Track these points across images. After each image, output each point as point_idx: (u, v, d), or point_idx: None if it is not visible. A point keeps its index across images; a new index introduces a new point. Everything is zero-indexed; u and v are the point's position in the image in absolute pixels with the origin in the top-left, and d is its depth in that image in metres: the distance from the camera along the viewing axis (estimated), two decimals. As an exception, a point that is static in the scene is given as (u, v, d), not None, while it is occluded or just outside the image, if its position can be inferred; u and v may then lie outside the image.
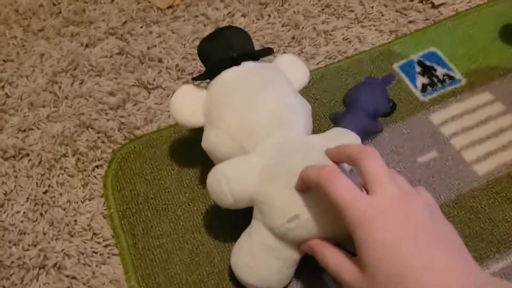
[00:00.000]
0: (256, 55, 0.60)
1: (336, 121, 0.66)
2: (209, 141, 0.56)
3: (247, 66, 0.58)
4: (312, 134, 0.59)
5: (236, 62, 0.58)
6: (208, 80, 0.60)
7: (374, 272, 0.40)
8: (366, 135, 0.63)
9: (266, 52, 0.62)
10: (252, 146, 0.54)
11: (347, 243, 0.53)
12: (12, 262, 0.58)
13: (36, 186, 0.65)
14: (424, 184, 0.62)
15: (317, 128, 0.69)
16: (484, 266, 0.56)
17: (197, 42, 0.82)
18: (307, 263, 0.53)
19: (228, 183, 0.51)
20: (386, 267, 0.40)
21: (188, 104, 0.58)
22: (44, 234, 0.60)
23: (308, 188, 0.48)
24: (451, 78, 0.73)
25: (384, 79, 0.66)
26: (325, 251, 0.47)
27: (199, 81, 0.60)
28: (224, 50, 0.58)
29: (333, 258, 0.46)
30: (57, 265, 0.58)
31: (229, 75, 0.57)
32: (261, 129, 0.54)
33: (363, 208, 0.42)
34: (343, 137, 0.57)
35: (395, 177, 0.46)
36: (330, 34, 0.82)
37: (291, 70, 0.62)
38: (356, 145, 0.49)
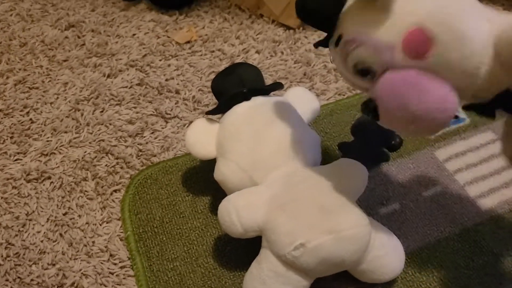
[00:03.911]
0: (266, 90, 0.64)
1: (344, 150, 0.69)
2: (221, 173, 0.59)
3: (257, 100, 0.62)
4: (320, 165, 0.62)
5: (247, 97, 0.62)
6: (221, 114, 0.64)
7: None
8: (373, 164, 0.66)
9: (276, 87, 0.66)
10: (261, 177, 0.57)
11: (355, 271, 0.56)
12: (32, 280, 0.60)
13: (57, 207, 0.67)
14: (429, 217, 0.65)
15: (327, 161, 0.71)
16: (487, 299, 0.57)
17: (213, 76, 0.86)
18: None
19: (237, 213, 0.54)
20: None
21: (202, 138, 0.62)
22: (63, 254, 0.63)
23: None
24: (456, 117, 0.76)
25: None
26: None
27: (213, 115, 0.64)
28: (235, 86, 0.62)
29: None
30: (75, 284, 0.60)
31: (240, 109, 0.61)
32: (270, 162, 0.57)
33: None
34: (350, 168, 0.59)
35: None
36: (340, 72, 0.86)
37: (301, 102, 0.65)
38: None
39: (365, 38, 0.43)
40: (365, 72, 0.45)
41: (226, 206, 0.54)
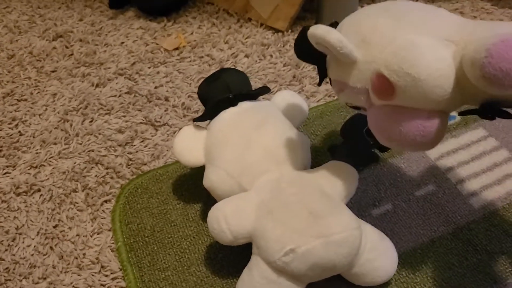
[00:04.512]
0: (252, 95, 0.64)
1: (334, 153, 0.69)
2: (210, 180, 0.59)
3: (244, 106, 0.61)
4: (310, 168, 0.61)
5: (234, 103, 0.61)
6: (208, 121, 0.63)
7: None
8: (364, 165, 0.66)
9: (263, 91, 0.65)
10: (249, 183, 0.56)
11: (348, 275, 0.55)
12: (22, 294, 0.60)
13: (47, 220, 0.67)
14: (422, 217, 0.64)
15: (317, 163, 0.71)
16: (482, 298, 0.57)
17: (202, 82, 0.86)
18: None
19: (226, 221, 0.53)
20: None
21: (189, 145, 0.61)
22: (54, 267, 0.62)
23: None
24: (446, 114, 0.76)
25: None
26: None
27: (200, 122, 0.64)
28: (221, 92, 0.62)
29: None
30: (66, 298, 0.59)
31: (227, 115, 0.61)
32: (258, 167, 0.57)
33: None
34: (340, 171, 0.59)
35: None
36: (329, 73, 0.86)
37: (289, 106, 0.65)
38: None
39: (344, 86, 0.48)
40: (356, 107, 0.51)
41: (215, 214, 0.54)
